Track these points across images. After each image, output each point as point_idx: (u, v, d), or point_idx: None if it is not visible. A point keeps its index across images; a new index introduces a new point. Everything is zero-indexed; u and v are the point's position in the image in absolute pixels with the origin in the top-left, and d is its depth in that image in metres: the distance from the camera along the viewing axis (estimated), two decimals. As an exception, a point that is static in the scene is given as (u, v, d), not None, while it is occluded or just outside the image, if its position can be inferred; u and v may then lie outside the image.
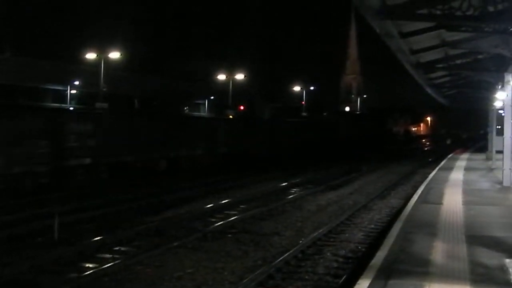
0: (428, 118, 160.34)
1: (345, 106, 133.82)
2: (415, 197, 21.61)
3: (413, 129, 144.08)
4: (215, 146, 41.39)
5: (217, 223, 18.68)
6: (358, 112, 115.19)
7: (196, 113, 74.35)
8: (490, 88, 35.69)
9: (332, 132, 66.24)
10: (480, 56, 30.14)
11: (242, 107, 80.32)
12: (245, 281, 11.97)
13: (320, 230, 17.41)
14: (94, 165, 29.59)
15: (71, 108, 52.03)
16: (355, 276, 10.91)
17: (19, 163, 24.96)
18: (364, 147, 65.42)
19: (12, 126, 25.20)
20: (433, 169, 36.73)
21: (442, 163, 42.70)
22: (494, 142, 37.05)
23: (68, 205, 21.50)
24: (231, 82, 64.53)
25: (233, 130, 45.27)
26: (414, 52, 27.29)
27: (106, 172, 30.40)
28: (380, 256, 11.79)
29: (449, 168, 36.62)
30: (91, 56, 47.86)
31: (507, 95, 25.59)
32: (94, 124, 30.39)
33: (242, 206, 22.85)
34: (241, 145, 44.31)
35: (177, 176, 33.12)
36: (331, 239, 16.66)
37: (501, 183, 25.65)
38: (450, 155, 54.86)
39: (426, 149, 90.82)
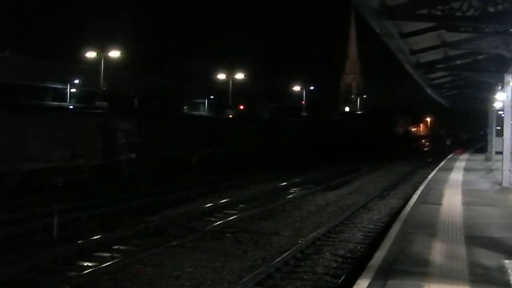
0: (428, 119, 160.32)
1: (345, 106, 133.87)
2: (415, 198, 21.60)
3: (413, 129, 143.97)
4: (233, 144, 44.45)
5: (216, 222, 18.70)
6: (358, 112, 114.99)
7: (218, 116, 74.69)
8: (490, 89, 35.64)
9: (333, 133, 66.44)
10: (480, 57, 30.09)
11: (241, 107, 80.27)
12: (244, 280, 11.97)
13: (319, 230, 17.43)
14: (138, 159, 33.00)
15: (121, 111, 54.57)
16: (354, 276, 10.91)
17: (81, 157, 28.88)
18: (364, 147, 65.38)
19: (74, 126, 29.28)
20: (433, 169, 36.73)
21: (442, 163, 42.71)
22: (494, 143, 36.99)
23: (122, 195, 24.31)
24: (231, 81, 64.51)
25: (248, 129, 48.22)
26: (414, 52, 27.24)
27: (152, 166, 33.71)
28: (379, 256, 11.79)
29: (449, 169, 36.62)
30: (91, 55, 47.83)
31: (507, 96, 25.58)
32: (138, 124, 34.14)
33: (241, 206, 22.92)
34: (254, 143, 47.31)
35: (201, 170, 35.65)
36: (330, 239, 16.68)
37: (500, 184, 25.64)
38: (450, 155, 54.89)
39: (425, 149, 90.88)
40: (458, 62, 31.54)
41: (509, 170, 24.98)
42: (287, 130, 55.95)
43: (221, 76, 67.31)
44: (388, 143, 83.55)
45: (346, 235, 17.43)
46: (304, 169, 39.19)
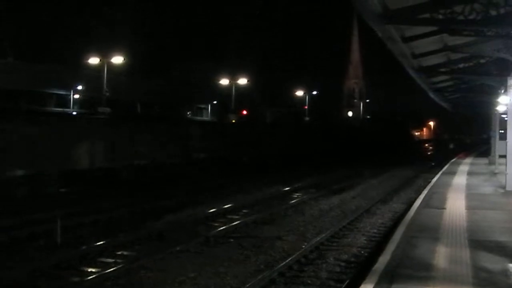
0: (431, 123, 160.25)
1: (348, 111, 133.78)
2: (418, 202, 21.58)
3: (416, 133, 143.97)
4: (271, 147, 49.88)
5: (220, 227, 18.69)
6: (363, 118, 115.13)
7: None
8: (492, 92, 35.64)
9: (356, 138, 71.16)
10: (482, 60, 30.10)
11: (244, 112, 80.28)
12: (247, 285, 11.96)
13: (323, 235, 17.41)
14: (207, 158, 40.10)
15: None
16: (358, 281, 10.89)
17: (169, 157, 35.92)
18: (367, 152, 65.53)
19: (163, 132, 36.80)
20: (436, 173, 36.69)
21: (445, 167, 42.68)
22: (497, 146, 36.92)
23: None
24: (233, 86, 64.49)
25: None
26: (417, 56, 27.28)
27: (216, 164, 39.93)
28: (383, 260, 11.78)
29: (452, 173, 36.58)
30: (94, 61, 47.85)
31: (510, 99, 25.55)
32: (204, 130, 42.81)
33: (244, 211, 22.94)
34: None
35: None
36: (334, 244, 16.65)
37: (504, 187, 25.59)
38: (453, 159, 54.84)
39: (429, 153, 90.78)
40: (461, 65, 31.57)
41: (513, 173, 24.93)
42: (312, 135, 60.14)
43: (224, 81, 67.29)
44: (405, 147, 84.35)
45: (349, 239, 17.41)
46: (307, 174, 39.19)
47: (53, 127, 28.86)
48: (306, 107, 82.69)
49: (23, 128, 26.38)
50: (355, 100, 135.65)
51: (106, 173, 30.47)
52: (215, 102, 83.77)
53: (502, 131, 36.70)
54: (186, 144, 38.35)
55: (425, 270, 11.00)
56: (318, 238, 16.88)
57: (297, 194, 29.17)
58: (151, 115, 62.20)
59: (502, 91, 29.04)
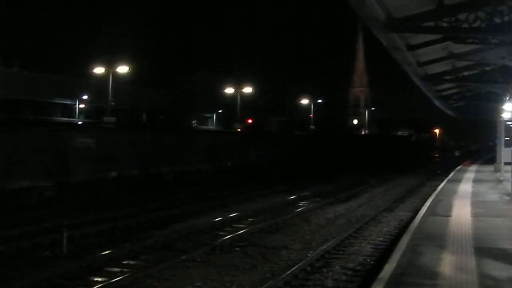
0: (436, 130, 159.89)
1: (353, 119, 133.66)
2: (424, 209, 21.55)
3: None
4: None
5: (226, 236, 18.71)
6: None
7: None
8: (497, 100, 35.62)
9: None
10: (487, 68, 30.12)
11: (250, 121, 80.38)
12: (253, 294, 11.98)
13: (329, 243, 17.41)
14: (266, 162, 46.58)
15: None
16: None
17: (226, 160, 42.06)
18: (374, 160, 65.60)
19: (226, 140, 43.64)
20: (442, 181, 36.65)
21: (451, 175, 42.61)
22: (503, 153, 36.87)
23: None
24: (239, 95, 64.62)
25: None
26: (422, 64, 27.30)
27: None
28: (388, 268, 11.78)
29: (458, 180, 36.52)
30: (99, 70, 47.99)
31: (514, 106, 25.54)
32: (261, 139, 50.11)
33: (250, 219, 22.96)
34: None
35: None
36: (340, 252, 16.65)
37: (509, 194, 25.57)
38: (459, 167, 54.75)
39: (434, 160, 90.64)
40: (466, 73, 31.58)
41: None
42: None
43: (229, 90, 67.42)
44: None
45: (355, 248, 17.40)
46: (312, 182, 39.23)
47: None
48: (311, 115, 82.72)
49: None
50: (360, 108, 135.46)
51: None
52: (220, 111, 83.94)
53: (508, 138, 36.70)
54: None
55: (430, 278, 10.99)
56: (324, 247, 16.88)
57: (303, 202, 29.18)
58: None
59: (507, 98, 29.04)
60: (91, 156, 28.56)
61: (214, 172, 39.93)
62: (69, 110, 65.60)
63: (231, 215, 23.40)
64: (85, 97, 65.17)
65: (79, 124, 53.59)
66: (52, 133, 27.49)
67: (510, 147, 27.14)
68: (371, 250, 17.12)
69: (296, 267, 14.20)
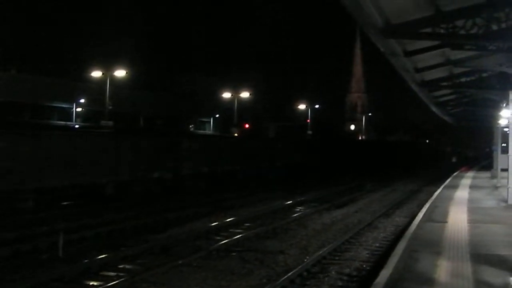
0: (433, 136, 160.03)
1: (350, 124, 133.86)
2: (420, 215, 21.55)
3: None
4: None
5: (222, 241, 18.69)
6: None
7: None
8: (495, 106, 35.68)
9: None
10: (484, 74, 30.12)
11: (247, 125, 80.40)
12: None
13: (325, 249, 17.40)
14: (284, 164, 51.05)
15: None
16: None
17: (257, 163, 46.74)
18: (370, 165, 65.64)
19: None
20: (439, 187, 36.68)
21: (448, 181, 42.65)
22: (499, 160, 36.88)
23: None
24: (236, 100, 64.67)
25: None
26: (419, 70, 27.28)
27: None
28: (385, 274, 11.77)
29: (455, 186, 36.56)
30: (96, 74, 48.01)
31: (511, 113, 25.56)
32: (282, 143, 55.82)
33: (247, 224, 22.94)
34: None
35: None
36: (336, 258, 16.64)
37: (506, 201, 25.59)
38: (456, 173, 54.82)
39: (431, 166, 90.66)
40: (463, 79, 31.59)
41: (515, 187, 24.91)
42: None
43: (226, 95, 67.44)
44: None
45: (352, 253, 17.40)
46: (309, 188, 39.25)
47: None
48: (308, 120, 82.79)
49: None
50: (358, 114, 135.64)
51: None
52: (217, 115, 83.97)
53: (504, 145, 36.71)
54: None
55: (426, 284, 11.00)
56: (321, 252, 16.88)
57: (300, 207, 29.18)
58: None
59: (504, 105, 29.08)
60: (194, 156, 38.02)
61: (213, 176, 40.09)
62: (66, 114, 65.60)
63: (228, 220, 23.41)
64: (82, 100, 65.18)
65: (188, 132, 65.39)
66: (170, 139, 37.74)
67: (506, 153, 27.11)
68: (367, 255, 17.12)
69: (292, 272, 14.19)
